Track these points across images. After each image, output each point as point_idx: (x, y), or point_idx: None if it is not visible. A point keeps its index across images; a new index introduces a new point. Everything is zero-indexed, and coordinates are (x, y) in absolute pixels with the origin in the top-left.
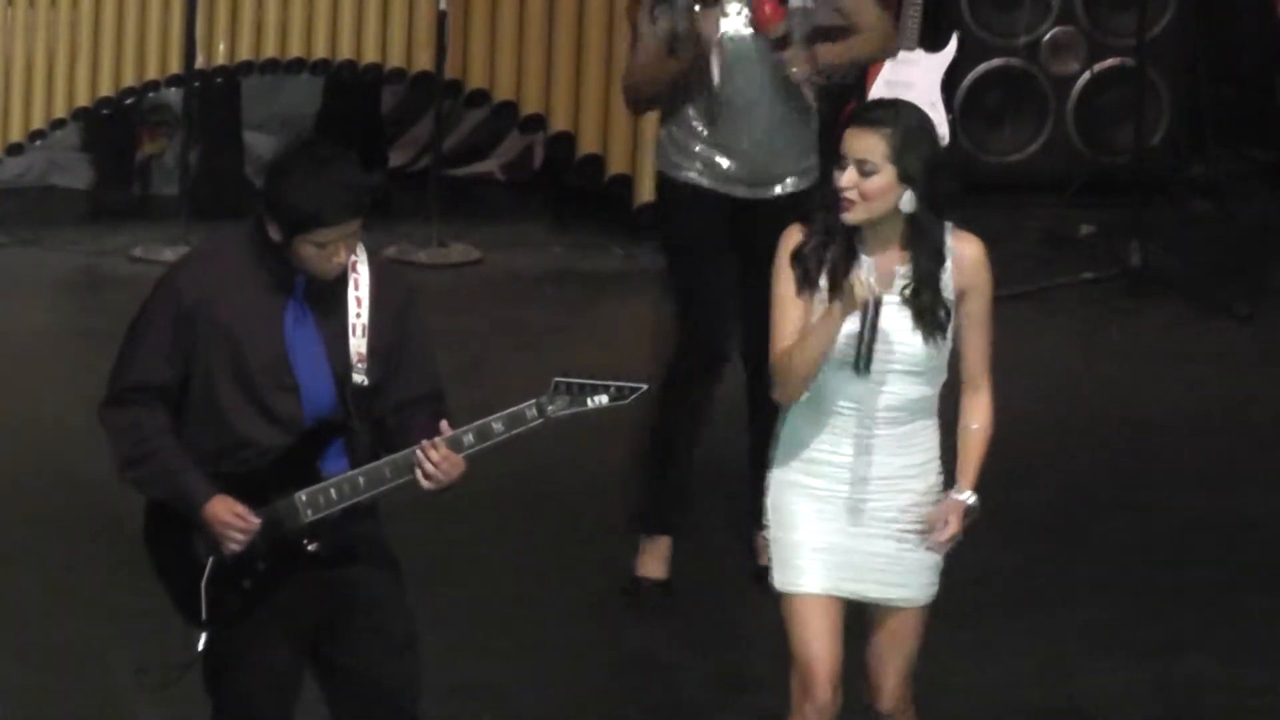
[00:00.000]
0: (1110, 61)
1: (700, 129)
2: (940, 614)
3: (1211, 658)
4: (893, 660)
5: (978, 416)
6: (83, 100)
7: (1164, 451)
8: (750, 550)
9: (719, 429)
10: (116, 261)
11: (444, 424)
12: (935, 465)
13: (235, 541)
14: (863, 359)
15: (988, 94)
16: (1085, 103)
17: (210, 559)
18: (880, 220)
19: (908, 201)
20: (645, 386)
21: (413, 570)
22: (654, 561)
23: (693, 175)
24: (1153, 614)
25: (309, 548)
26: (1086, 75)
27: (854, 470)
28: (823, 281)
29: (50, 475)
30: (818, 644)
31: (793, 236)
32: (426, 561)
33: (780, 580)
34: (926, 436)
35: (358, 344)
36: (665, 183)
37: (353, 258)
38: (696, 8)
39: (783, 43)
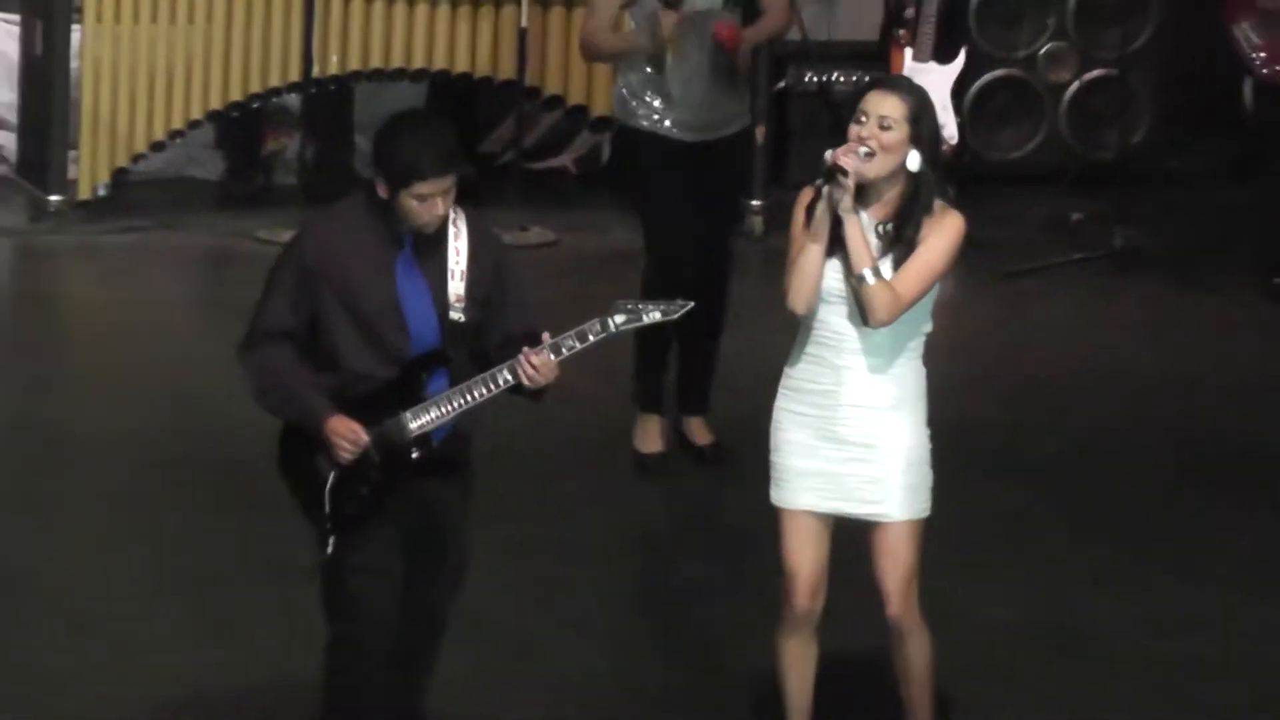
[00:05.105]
0: (1098, 71)
1: (656, 89)
2: (953, 551)
3: (1199, 592)
4: (889, 570)
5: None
6: (216, 104)
7: (1149, 407)
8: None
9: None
10: (242, 242)
11: (545, 335)
12: (915, 403)
13: (348, 453)
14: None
15: (992, 99)
16: (1076, 107)
17: (333, 472)
18: (885, 179)
19: (914, 160)
20: (692, 304)
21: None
22: (651, 438)
23: (650, 125)
24: (1146, 553)
25: (414, 456)
26: (1077, 83)
27: (835, 397)
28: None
29: (185, 428)
30: (799, 555)
31: (804, 196)
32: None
33: (774, 497)
34: (904, 375)
35: (456, 286)
36: (628, 132)
37: (453, 214)
38: (659, 12)
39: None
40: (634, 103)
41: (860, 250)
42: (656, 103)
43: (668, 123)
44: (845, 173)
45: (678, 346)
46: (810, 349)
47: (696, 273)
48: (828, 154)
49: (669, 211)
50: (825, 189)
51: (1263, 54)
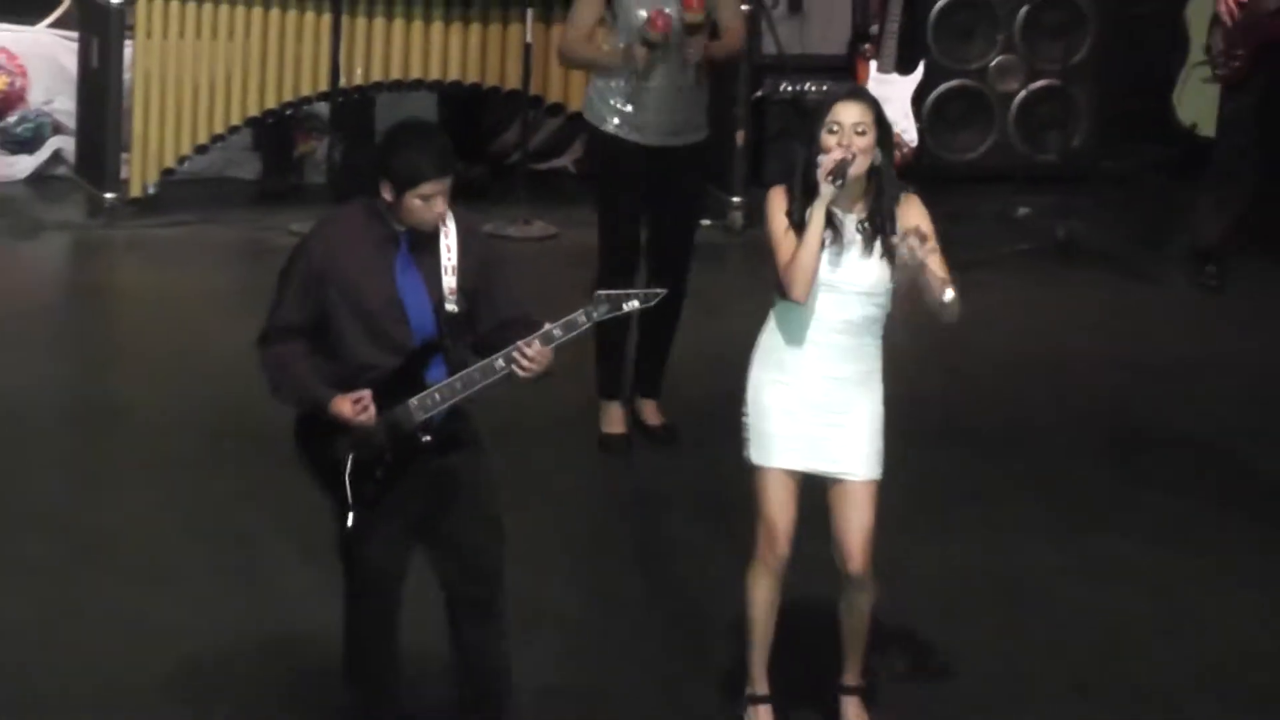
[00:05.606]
0: (1043, 82)
1: (626, 95)
2: (904, 505)
3: (1118, 537)
4: (853, 527)
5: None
6: (253, 111)
7: (1086, 385)
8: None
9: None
10: (276, 235)
11: (546, 324)
12: (878, 375)
13: (363, 417)
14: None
15: (948, 107)
16: (1023, 113)
17: (349, 456)
18: (857, 179)
19: (876, 156)
20: (664, 291)
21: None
22: (614, 421)
23: (617, 129)
24: (1076, 506)
25: (423, 440)
26: (1024, 93)
27: (813, 370)
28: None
29: (226, 403)
30: (778, 509)
31: (778, 198)
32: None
33: (755, 457)
34: (872, 351)
35: (449, 280)
36: (596, 132)
37: (445, 213)
38: (634, 45)
39: (695, 29)
40: (603, 107)
41: (938, 279)
42: (625, 108)
43: (633, 127)
44: (845, 176)
45: (638, 335)
46: (794, 329)
47: (658, 269)
48: (822, 158)
49: (621, 214)
50: (830, 189)
51: (1220, 58)
